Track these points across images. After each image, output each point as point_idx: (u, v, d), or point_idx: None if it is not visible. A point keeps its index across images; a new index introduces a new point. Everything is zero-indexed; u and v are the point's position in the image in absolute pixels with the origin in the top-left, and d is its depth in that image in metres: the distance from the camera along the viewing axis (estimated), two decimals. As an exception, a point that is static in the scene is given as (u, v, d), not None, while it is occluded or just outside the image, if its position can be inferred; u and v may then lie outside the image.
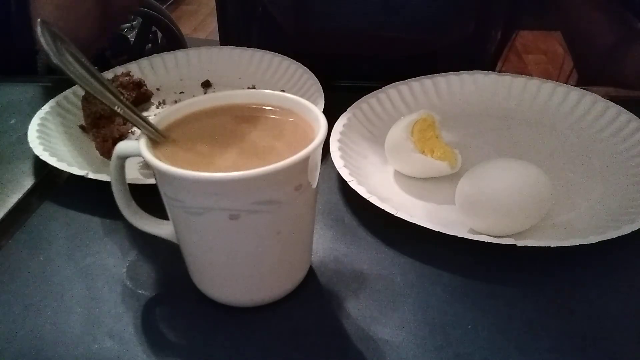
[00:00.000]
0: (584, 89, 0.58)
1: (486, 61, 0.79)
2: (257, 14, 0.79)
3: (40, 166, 0.52)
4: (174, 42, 1.28)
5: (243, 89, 0.63)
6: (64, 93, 0.60)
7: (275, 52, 0.66)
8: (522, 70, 2.36)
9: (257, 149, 0.35)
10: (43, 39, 0.33)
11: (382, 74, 0.60)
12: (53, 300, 0.39)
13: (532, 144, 0.55)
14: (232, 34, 0.86)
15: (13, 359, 0.36)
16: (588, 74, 0.74)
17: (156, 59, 0.68)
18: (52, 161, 0.49)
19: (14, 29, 0.82)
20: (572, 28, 0.74)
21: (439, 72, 0.61)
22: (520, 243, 0.39)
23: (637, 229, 0.40)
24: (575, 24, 0.73)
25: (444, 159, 0.49)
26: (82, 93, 0.59)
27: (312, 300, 0.39)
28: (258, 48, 0.68)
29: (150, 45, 1.29)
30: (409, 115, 0.50)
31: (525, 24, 0.80)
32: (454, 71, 0.61)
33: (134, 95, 0.60)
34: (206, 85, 0.66)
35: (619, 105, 0.55)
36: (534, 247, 0.39)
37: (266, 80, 0.65)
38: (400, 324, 0.37)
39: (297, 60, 0.64)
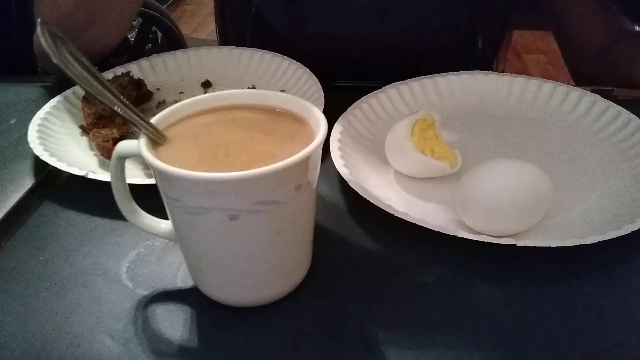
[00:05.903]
0: (584, 89, 0.58)
1: (484, 61, 0.79)
2: (251, 14, 0.79)
3: (40, 166, 0.52)
4: (174, 42, 1.28)
5: (243, 89, 0.63)
6: (64, 93, 0.60)
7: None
8: (522, 70, 2.36)
9: (256, 149, 0.35)
10: (43, 38, 0.33)
11: (382, 74, 0.60)
12: (53, 300, 0.39)
13: (532, 144, 0.55)
14: (229, 34, 0.86)
15: (13, 359, 0.36)
16: (581, 75, 0.74)
17: (156, 59, 0.68)
18: (52, 161, 0.49)
19: (14, 29, 0.82)
20: (565, 29, 0.74)
21: (438, 72, 0.61)
22: (520, 243, 0.39)
23: (637, 229, 0.40)
24: (568, 25, 0.73)
25: (444, 159, 0.49)
26: (82, 93, 0.59)
27: (312, 300, 0.39)
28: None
29: (150, 45, 1.28)
30: (409, 115, 0.50)
31: (520, 24, 0.80)
32: (452, 71, 0.61)
33: (134, 95, 0.60)
34: (206, 85, 0.66)
35: (619, 106, 0.55)
36: (534, 247, 0.39)
37: (266, 80, 0.65)
38: (401, 324, 0.37)
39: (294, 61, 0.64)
